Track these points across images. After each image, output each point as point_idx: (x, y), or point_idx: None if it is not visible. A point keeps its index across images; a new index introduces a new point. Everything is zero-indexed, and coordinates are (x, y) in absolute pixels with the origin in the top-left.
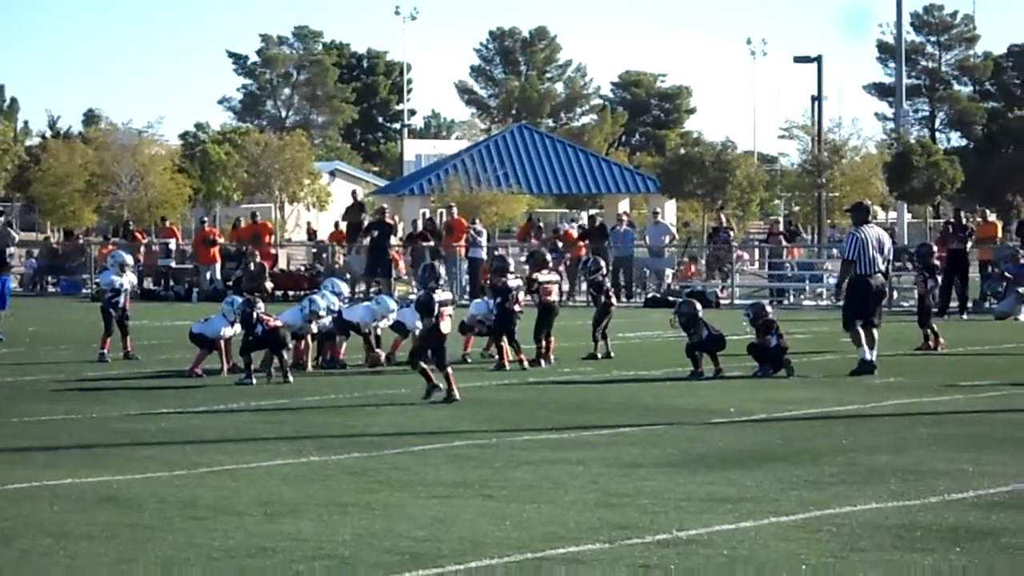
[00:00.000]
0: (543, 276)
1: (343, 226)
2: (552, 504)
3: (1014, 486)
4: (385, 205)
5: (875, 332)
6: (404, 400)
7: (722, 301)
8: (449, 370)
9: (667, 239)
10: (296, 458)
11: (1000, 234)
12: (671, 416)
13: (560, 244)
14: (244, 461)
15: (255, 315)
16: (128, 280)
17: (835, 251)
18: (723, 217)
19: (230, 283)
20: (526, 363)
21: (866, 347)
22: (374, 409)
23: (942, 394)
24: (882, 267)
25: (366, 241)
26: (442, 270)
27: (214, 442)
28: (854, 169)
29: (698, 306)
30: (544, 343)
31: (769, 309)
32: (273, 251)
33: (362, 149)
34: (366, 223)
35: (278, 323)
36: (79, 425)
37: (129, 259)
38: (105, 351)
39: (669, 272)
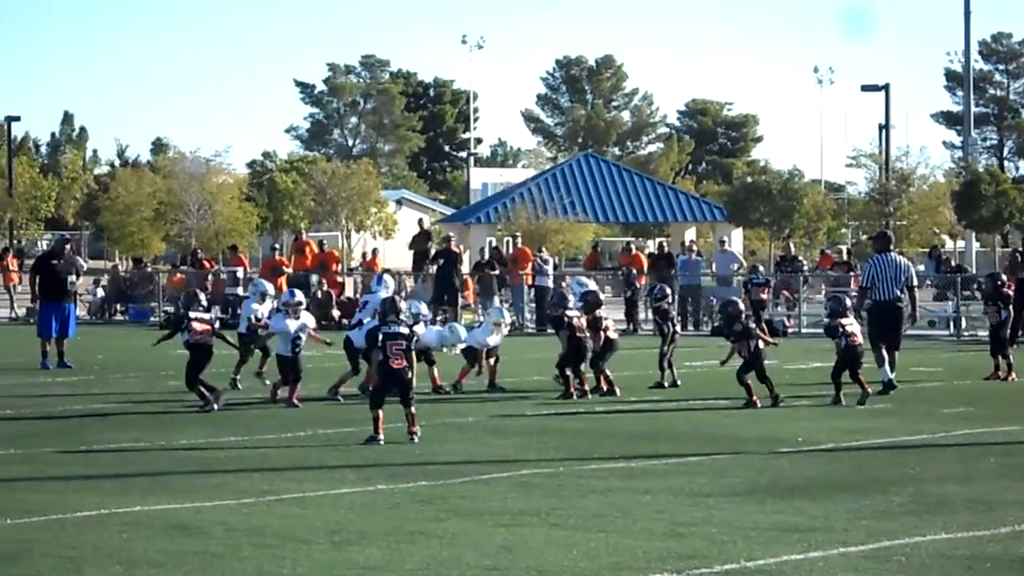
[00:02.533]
0: (600, 312)
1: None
2: (619, 533)
3: None
4: (451, 234)
5: (896, 354)
6: (471, 428)
7: (789, 330)
8: (412, 409)
9: (735, 267)
10: (364, 486)
11: None
12: (738, 445)
13: (628, 269)
14: (312, 489)
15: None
16: (266, 308)
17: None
18: (791, 246)
19: None
20: (588, 391)
21: (886, 367)
22: (441, 437)
23: (1012, 424)
24: (898, 293)
25: (433, 269)
26: (403, 305)
27: (282, 470)
28: (922, 198)
29: (741, 306)
30: (602, 376)
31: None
32: (340, 279)
33: (429, 177)
34: (432, 252)
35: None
36: (147, 453)
37: (271, 288)
38: (238, 377)
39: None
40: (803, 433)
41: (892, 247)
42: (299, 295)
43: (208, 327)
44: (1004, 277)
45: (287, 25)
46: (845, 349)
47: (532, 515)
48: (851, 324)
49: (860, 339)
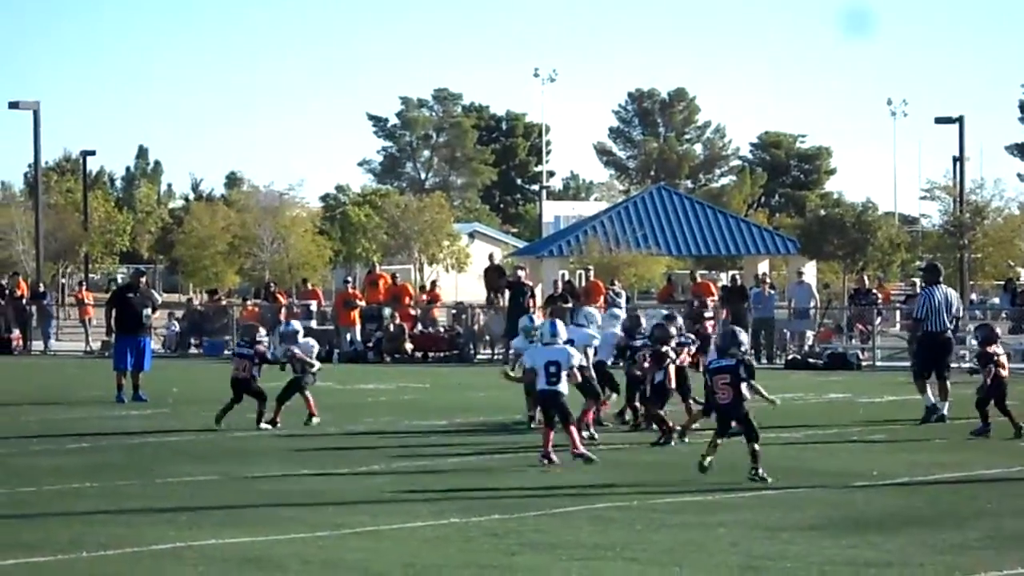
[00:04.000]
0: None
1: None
2: (694, 567)
3: None
4: (522, 265)
5: (947, 383)
6: (539, 464)
7: (863, 363)
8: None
9: (813, 301)
10: (437, 519)
11: None
12: (812, 479)
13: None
14: (385, 523)
15: None
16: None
17: (978, 312)
18: (865, 278)
19: (370, 344)
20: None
21: (930, 394)
22: (514, 469)
23: None
24: (948, 324)
25: (504, 302)
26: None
27: (356, 503)
28: (996, 230)
29: (672, 330)
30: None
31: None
32: (413, 312)
33: (501, 211)
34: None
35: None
36: (222, 485)
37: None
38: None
39: (810, 334)
40: (878, 467)
41: (941, 279)
42: (296, 325)
43: (244, 362)
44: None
45: (360, 59)
46: (994, 378)
47: (607, 549)
48: (1002, 354)
49: (1007, 370)
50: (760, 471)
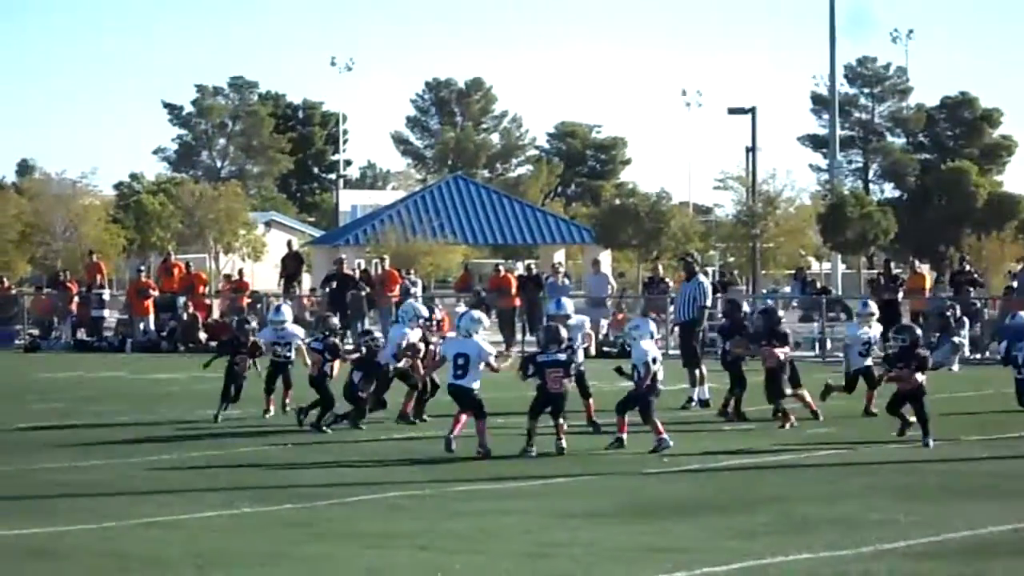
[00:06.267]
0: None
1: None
2: (485, 555)
3: (945, 536)
4: (343, 255)
5: (697, 371)
6: (335, 451)
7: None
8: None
9: (609, 289)
10: (228, 509)
11: (930, 285)
12: (605, 467)
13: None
14: (176, 512)
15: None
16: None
17: (770, 302)
18: (659, 267)
19: (164, 333)
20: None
21: (704, 387)
22: (306, 460)
23: (876, 444)
24: (693, 314)
25: (325, 291)
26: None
27: (146, 494)
28: (788, 220)
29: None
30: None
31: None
32: (207, 301)
33: (298, 199)
34: (299, 272)
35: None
36: (6, 478)
37: (425, 311)
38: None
39: (604, 322)
40: (669, 454)
41: (696, 272)
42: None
43: (317, 356)
44: (780, 313)
45: (154, 46)
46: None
47: (398, 537)
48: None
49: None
50: (563, 442)
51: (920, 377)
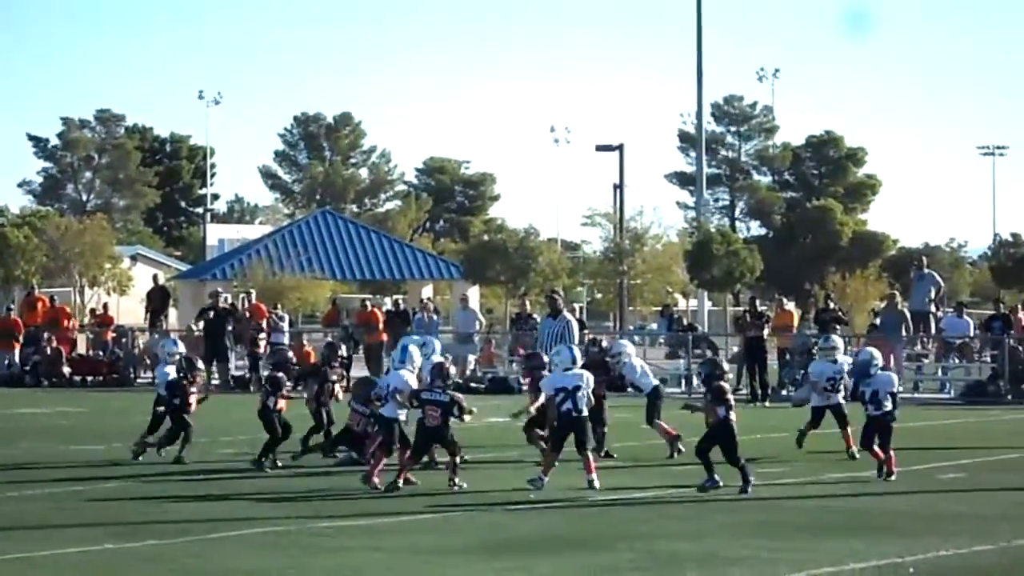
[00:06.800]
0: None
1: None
2: None
3: (807, 572)
4: (219, 289)
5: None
6: (201, 487)
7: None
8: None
9: (477, 325)
10: (89, 546)
11: (796, 322)
12: (471, 502)
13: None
14: (35, 549)
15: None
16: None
17: (636, 338)
18: (526, 303)
19: (27, 367)
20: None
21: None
22: (175, 495)
23: (739, 481)
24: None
25: (200, 326)
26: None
27: (4, 530)
28: (655, 257)
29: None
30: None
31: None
32: (72, 336)
33: (164, 233)
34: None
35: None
36: None
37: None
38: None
39: (472, 358)
40: (536, 490)
41: (560, 310)
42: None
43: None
44: (605, 343)
45: (20, 78)
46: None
47: (262, 574)
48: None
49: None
50: (457, 480)
51: (721, 412)
